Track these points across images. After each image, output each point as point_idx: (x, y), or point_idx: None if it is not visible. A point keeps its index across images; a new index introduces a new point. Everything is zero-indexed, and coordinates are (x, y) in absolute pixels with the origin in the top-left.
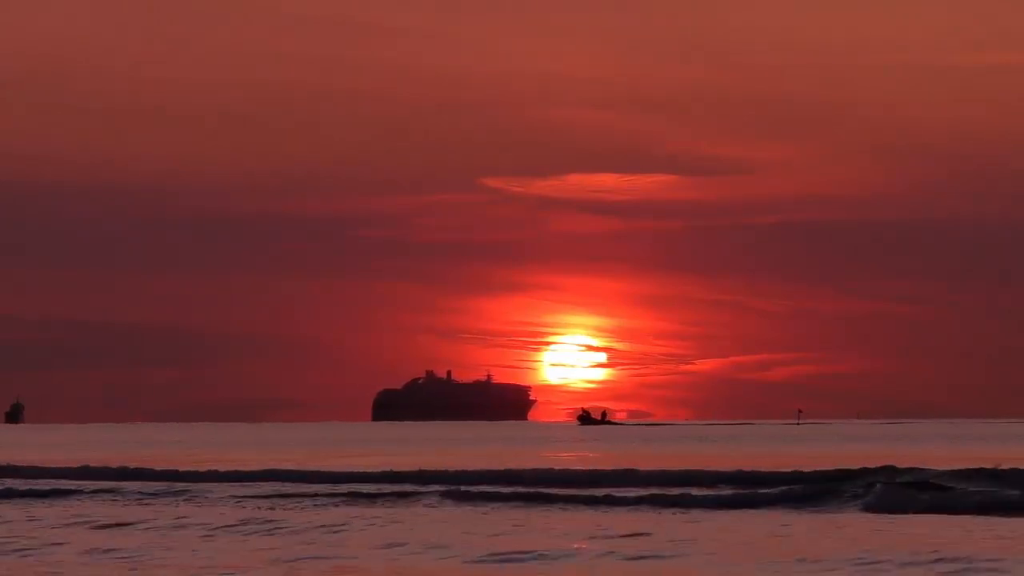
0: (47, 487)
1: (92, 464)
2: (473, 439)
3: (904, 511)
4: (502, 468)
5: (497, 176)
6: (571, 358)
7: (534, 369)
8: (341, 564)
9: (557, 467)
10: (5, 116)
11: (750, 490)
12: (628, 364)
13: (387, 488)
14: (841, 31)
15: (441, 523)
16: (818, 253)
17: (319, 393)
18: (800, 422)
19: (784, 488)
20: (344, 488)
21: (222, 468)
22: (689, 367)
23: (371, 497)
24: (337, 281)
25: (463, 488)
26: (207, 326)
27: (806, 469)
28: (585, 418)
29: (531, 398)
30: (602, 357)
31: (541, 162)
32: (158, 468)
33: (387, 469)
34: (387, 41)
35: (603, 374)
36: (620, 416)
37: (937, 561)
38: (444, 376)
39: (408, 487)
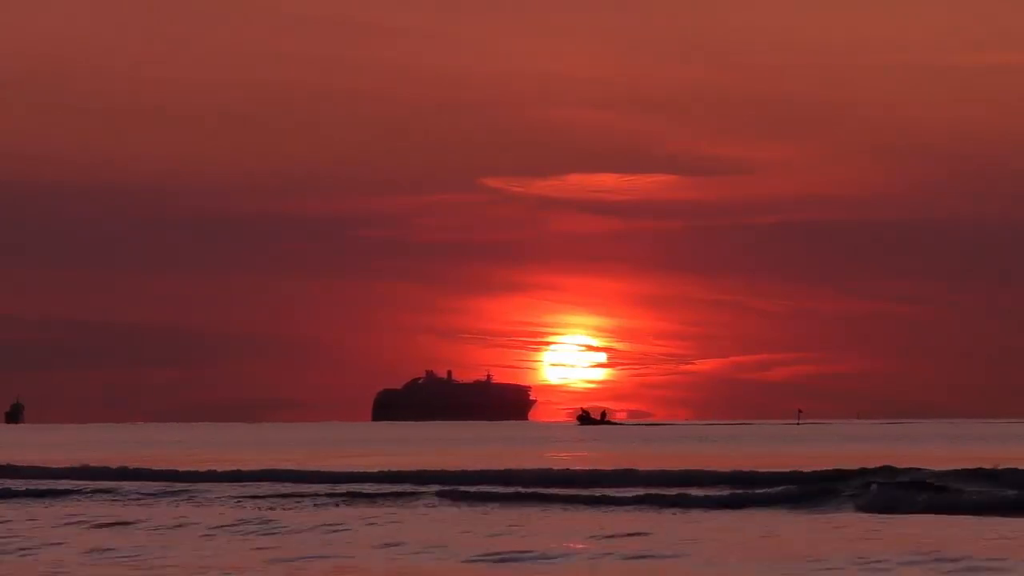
0: (46, 487)
1: (92, 464)
2: (473, 439)
3: (900, 511)
4: (501, 468)
5: (497, 176)
6: (571, 358)
7: (534, 369)
8: (340, 564)
9: (555, 467)
10: (5, 116)
11: (748, 490)
12: (628, 364)
13: (386, 488)
14: (841, 31)
15: (439, 523)
16: (818, 253)
17: (319, 393)
18: (800, 422)
19: (781, 488)
20: (343, 488)
21: (221, 468)
22: (689, 367)
23: (370, 497)
24: (337, 281)
25: (462, 488)
26: (207, 326)
27: (805, 469)
28: (584, 418)
29: (531, 398)
30: (602, 357)
31: (541, 162)
32: (157, 468)
33: (386, 469)
34: (387, 41)
35: (603, 374)
36: (620, 416)
37: (933, 561)
38: (444, 376)
39: (407, 487)
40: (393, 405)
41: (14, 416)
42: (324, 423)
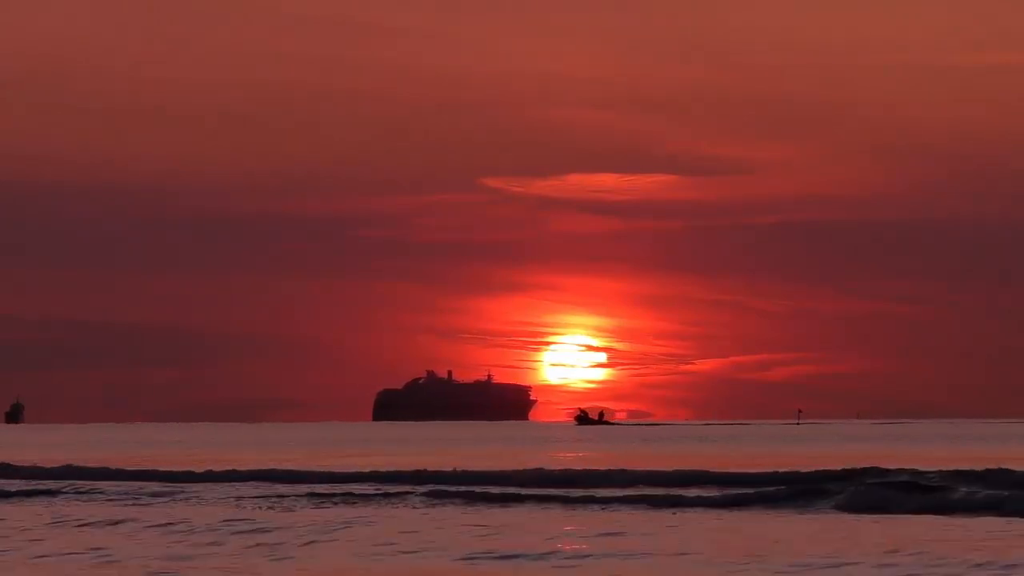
0: (43, 487)
1: (89, 464)
2: (472, 439)
3: (890, 511)
4: (496, 469)
5: (497, 176)
6: (571, 358)
7: (534, 369)
8: (334, 563)
9: (550, 467)
10: (5, 116)
11: (740, 490)
12: (628, 364)
13: (382, 488)
14: (841, 31)
15: (433, 522)
16: (818, 253)
17: (319, 393)
18: (800, 422)
19: (773, 488)
20: (339, 488)
21: (218, 468)
22: (689, 367)
23: (366, 497)
24: (337, 281)
25: (455, 488)
26: (207, 326)
27: (802, 470)
28: (583, 418)
29: (531, 398)
30: (602, 357)
31: (541, 162)
32: (151, 468)
33: (383, 469)
34: (387, 41)
35: (603, 374)
36: (620, 416)
37: (914, 561)
38: (444, 376)
39: (404, 487)
40: (393, 405)
41: (14, 416)
42: (324, 423)
